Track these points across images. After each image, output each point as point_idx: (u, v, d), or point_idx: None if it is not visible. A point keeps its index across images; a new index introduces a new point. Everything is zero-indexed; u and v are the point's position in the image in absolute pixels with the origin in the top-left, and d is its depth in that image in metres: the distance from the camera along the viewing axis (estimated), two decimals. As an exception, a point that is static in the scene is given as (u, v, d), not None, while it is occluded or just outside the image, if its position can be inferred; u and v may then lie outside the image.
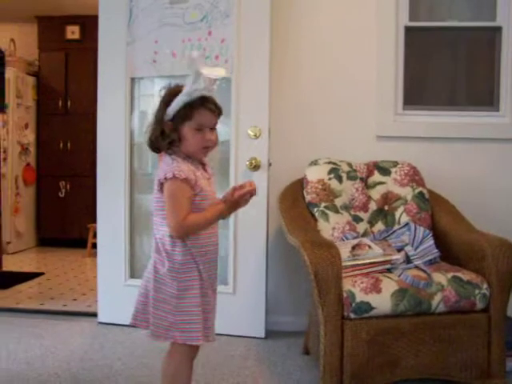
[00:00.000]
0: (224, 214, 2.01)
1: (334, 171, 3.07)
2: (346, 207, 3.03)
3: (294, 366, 2.88)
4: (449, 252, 2.88)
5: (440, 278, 2.54)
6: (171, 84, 2.01)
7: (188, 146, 1.95)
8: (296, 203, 3.02)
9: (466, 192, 3.34)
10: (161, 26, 3.35)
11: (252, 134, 3.18)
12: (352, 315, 2.41)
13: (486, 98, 3.52)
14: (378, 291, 2.44)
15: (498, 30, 3.44)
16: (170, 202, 1.93)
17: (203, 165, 2.05)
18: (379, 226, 3.05)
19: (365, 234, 2.97)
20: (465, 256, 2.76)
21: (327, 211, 2.97)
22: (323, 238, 2.69)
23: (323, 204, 2.99)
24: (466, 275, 2.58)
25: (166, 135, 1.94)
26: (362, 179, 3.12)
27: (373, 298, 2.42)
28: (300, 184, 3.13)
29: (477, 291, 2.53)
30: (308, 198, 3.03)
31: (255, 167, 3.18)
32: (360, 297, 2.41)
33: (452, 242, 2.88)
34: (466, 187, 3.37)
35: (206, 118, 1.94)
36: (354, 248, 2.67)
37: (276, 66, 3.32)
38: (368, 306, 2.41)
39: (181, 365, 2.06)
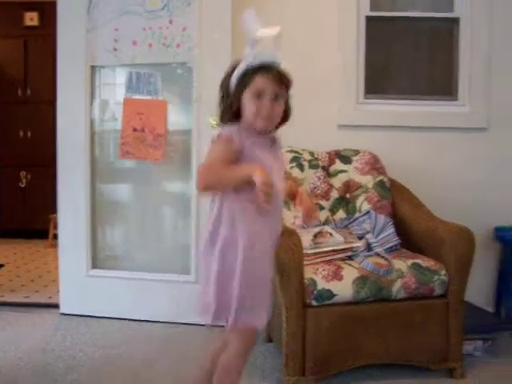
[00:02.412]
0: (251, 176, 1.67)
1: (296, 160, 3.09)
2: (308, 195, 3.05)
3: (258, 354, 2.89)
4: (409, 239, 2.93)
5: (400, 264, 2.59)
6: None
7: (247, 115, 1.83)
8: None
9: (426, 180, 3.39)
10: (121, 14, 3.30)
11: (214, 122, 3.17)
12: (314, 302, 2.44)
13: (446, 88, 3.58)
14: (340, 278, 2.47)
15: (457, 20, 3.50)
16: (205, 156, 1.82)
17: (273, 143, 1.92)
18: (341, 214, 3.08)
19: (326, 222, 3.00)
20: (424, 243, 2.82)
21: (289, 199, 2.99)
22: (285, 226, 2.71)
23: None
24: (425, 262, 2.63)
25: (230, 104, 1.86)
26: (323, 168, 3.14)
27: (334, 286, 2.45)
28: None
29: (435, 277, 2.58)
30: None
31: (217, 156, 3.17)
32: (321, 284, 2.44)
33: (412, 230, 2.93)
34: (426, 176, 3.42)
35: (264, 85, 1.80)
36: (315, 236, 2.70)
37: (240, 54, 3.30)
38: (329, 294, 2.44)
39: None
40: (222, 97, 1.89)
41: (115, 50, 3.33)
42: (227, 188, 1.80)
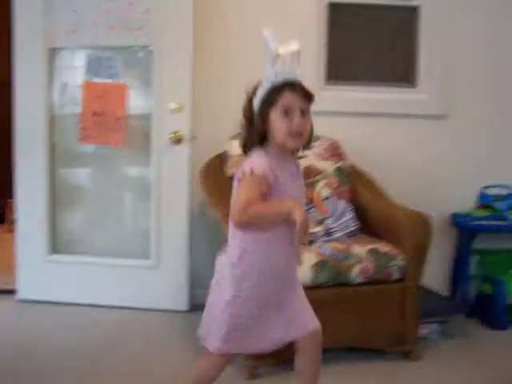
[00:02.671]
0: (291, 214, 1.66)
1: (256, 146, 3.08)
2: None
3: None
4: (368, 225, 2.97)
5: (358, 250, 2.63)
6: None
7: (276, 135, 1.77)
8: (217, 177, 3.02)
9: (386, 167, 3.43)
10: (78, -6, 3.23)
11: (175, 106, 3.15)
12: (273, 287, 2.45)
13: (405, 76, 3.61)
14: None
15: (417, 9, 3.53)
16: (239, 190, 1.76)
17: (296, 163, 1.89)
18: (301, 199, 3.09)
19: (287, 208, 3.01)
20: (383, 229, 2.86)
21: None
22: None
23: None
24: (383, 247, 2.67)
25: (256, 128, 1.79)
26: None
27: (293, 270, 2.47)
28: (221, 158, 3.12)
29: (393, 262, 2.62)
30: (229, 172, 3.03)
31: (178, 140, 3.16)
32: (281, 269, 2.45)
33: (371, 216, 2.97)
34: (386, 162, 3.46)
35: (292, 101, 1.76)
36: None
37: (204, 39, 3.29)
38: (289, 278, 2.46)
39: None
40: (247, 122, 1.84)
41: (74, 31, 3.26)
42: (266, 226, 1.77)
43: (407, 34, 3.59)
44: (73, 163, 3.47)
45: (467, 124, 3.56)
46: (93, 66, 3.32)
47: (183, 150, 3.17)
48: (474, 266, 3.46)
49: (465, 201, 3.55)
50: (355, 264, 2.57)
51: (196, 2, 3.15)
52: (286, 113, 1.76)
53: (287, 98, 1.76)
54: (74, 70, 3.39)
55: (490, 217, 3.39)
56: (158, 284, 3.28)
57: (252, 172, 1.71)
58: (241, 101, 3.40)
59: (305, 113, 1.78)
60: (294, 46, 1.82)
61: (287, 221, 1.68)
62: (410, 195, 3.17)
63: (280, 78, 1.78)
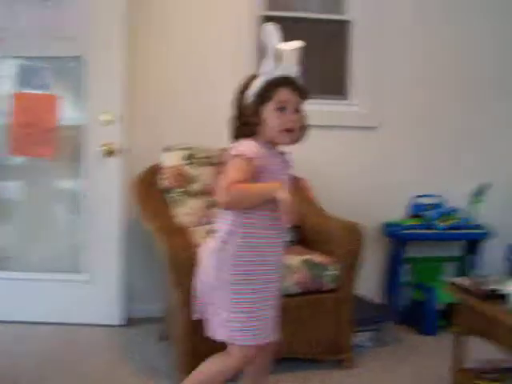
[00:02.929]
0: (275, 194, 1.70)
1: (189, 157, 3.07)
2: (202, 193, 3.04)
3: (152, 353, 2.87)
4: (302, 235, 3.00)
5: (293, 260, 2.64)
6: None
7: (268, 130, 1.80)
8: (151, 189, 2.99)
9: (320, 177, 3.46)
10: (7, 2, 3.15)
11: (106, 118, 3.10)
12: (207, 300, 2.44)
13: (338, 88, 3.68)
14: (233, 275, 2.48)
15: (348, 23, 3.63)
16: (225, 171, 1.75)
17: (283, 156, 1.91)
18: (235, 210, 3.09)
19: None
20: (315, 239, 2.90)
21: (182, 197, 2.97)
22: (176, 225, 2.70)
23: (178, 190, 2.99)
24: (316, 257, 2.70)
25: (246, 120, 1.81)
26: (217, 164, 3.14)
27: (227, 282, 2.46)
28: (154, 170, 3.09)
29: (326, 272, 2.65)
30: (163, 183, 3.01)
31: (110, 153, 3.10)
32: (215, 281, 2.44)
33: (305, 226, 2.99)
34: (319, 173, 3.48)
35: (288, 97, 1.79)
36: (208, 233, 2.70)
37: (142, 49, 3.29)
38: (223, 290, 2.45)
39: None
40: (237, 114, 1.85)
41: (2, 40, 3.18)
42: (250, 206, 1.77)
43: (339, 47, 3.66)
44: (2, 175, 3.37)
45: (397, 135, 3.66)
46: (22, 76, 3.24)
47: (115, 162, 3.12)
48: (405, 273, 3.55)
49: (396, 210, 3.64)
50: (290, 274, 2.59)
51: (132, 10, 3.12)
52: (281, 109, 1.79)
53: (283, 94, 1.79)
54: (2, 79, 3.30)
55: (420, 226, 3.48)
56: (91, 298, 3.21)
57: (239, 154, 1.73)
58: (176, 112, 3.43)
59: (299, 110, 1.82)
60: (296, 44, 1.85)
61: (272, 202, 1.70)
62: (343, 205, 3.23)
63: (278, 74, 1.80)
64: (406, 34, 3.63)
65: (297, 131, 1.84)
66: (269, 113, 1.79)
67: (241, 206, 1.77)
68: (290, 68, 1.83)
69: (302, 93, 1.83)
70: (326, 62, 3.72)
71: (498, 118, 3.80)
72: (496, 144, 3.80)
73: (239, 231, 1.79)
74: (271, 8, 3.54)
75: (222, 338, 1.85)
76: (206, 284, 1.86)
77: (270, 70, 1.80)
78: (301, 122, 1.85)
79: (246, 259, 1.80)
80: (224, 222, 1.82)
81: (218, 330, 1.85)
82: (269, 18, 3.47)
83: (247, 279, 1.80)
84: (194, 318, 1.94)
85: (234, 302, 1.80)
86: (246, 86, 1.85)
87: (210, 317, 1.87)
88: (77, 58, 3.20)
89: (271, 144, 1.83)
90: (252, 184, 1.75)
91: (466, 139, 3.76)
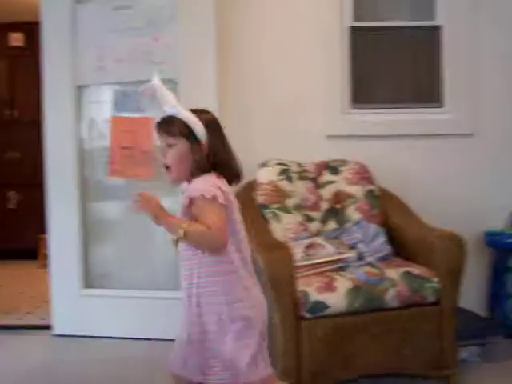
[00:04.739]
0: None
1: (285, 172, 3.09)
2: (298, 207, 3.05)
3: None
4: (401, 248, 2.93)
5: (392, 273, 2.59)
6: None
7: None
8: (247, 206, 3.02)
9: (415, 188, 3.40)
10: (106, 33, 3.31)
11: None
12: (307, 315, 2.43)
13: (430, 95, 3.60)
14: (333, 290, 2.47)
15: (439, 28, 3.54)
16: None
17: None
18: (331, 224, 3.08)
19: (317, 234, 3.00)
20: (416, 251, 2.82)
21: (279, 212, 2.99)
22: (276, 240, 2.71)
23: (275, 205, 3.01)
24: (416, 270, 2.63)
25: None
26: (312, 179, 3.15)
27: (327, 297, 2.45)
28: (251, 186, 3.13)
29: (428, 285, 2.58)
30: (259, 200, 3.04)
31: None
32: (314, 296, 2.43)
33: (403, 238, 2.94)
34: (414, 183, 3.43)
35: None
36: (307, 248, 2.70)
37: (223, 66, 3.33)
38: (323, 305, 2.44)
39: None
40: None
41: (101, 68, 3.33)
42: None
43: (430, 54, 3.59)
44: (103, 197, 3.51)
45: (495, 142, 3.53)
46: (119, 101, 3.37)
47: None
48: (511, 284, 3.40)
49: (496, 218, 3.51)
50: (389, 288, 2.54)
51: (219, 32, 3.20)
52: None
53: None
54: (102, 104, 3.46)
55: (523, 234, 3.33)
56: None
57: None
58: (265, 129, 3.47)
59: (170, 146, 1.86)
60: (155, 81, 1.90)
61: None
62: (440, 216, 3.13)
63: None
64: (499, 35, 3.50)
65: (170, 168, 1.92)
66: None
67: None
68: (167, 109, 1.89)
69: (160, 128, 1.89)
70: (417, 69, 3.65)
71: None
72: None
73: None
74: (358, 19, 3.52)
75: None
76: None
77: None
78: (171, 157, 1.89)
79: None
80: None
81: None
82: (357, 29, 3.49)
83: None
84: None
85: None
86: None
87: None
88: (170, 81, 3.29)
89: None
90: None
91: None
